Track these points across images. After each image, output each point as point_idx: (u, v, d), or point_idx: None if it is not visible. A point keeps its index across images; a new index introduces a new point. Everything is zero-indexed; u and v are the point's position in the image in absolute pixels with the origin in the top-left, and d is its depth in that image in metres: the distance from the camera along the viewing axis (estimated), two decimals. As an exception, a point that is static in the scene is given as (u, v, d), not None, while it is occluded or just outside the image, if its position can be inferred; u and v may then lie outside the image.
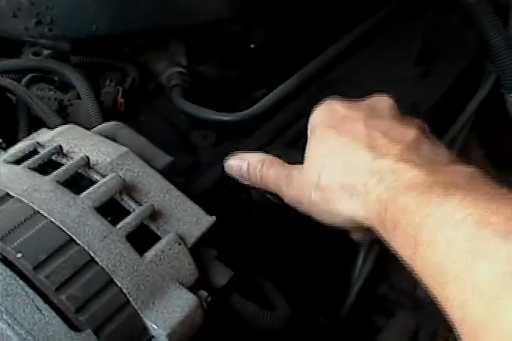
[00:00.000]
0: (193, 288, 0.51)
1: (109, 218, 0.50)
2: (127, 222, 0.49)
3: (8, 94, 0.73)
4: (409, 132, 0.56)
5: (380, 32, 0.91)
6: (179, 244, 0.51)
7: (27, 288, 0.45)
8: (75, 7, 0.68)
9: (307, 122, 0.61)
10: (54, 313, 0.45)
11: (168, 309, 0.49)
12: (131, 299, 0.48)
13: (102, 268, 0.47)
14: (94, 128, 0.59)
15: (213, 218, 0.55)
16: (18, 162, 0.53)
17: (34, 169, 0.51)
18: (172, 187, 0.54)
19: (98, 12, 0.68)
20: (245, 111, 0.76)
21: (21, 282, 0.45)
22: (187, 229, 0.53)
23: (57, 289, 0.45)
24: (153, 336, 0.49)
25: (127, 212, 0.51)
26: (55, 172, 0.50)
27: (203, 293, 0.52)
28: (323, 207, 0.57)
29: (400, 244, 0.49)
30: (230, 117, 0.76)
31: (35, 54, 0.86)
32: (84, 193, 0.50)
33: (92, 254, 0.47)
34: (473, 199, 0.45)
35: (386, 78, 0.84)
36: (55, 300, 0.46)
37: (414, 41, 0.88)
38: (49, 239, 0.47)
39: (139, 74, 0.82)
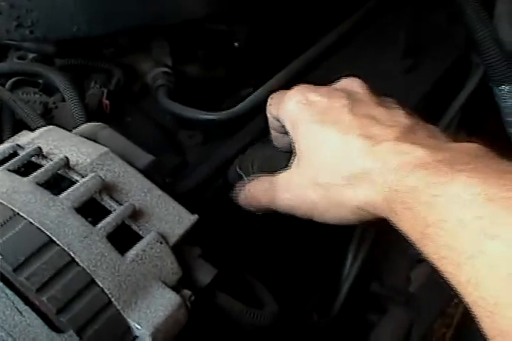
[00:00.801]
0: (176, 287, 0.51)
1: (89, 219, 0.50)
2: (108, 222, 0.49)
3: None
4: (399, 115, 0.56)
5: (365, 27, 0.90)
6: (161, 243, 0.51)
7: (7, 290, 0.45)
8: (55, 9, 0.68)
9: None
10: (35, 315, 0.45)
11: (151, 308, 0.49)
12: (113, 299, 0.47)
13: (83, 269, 0.47)
14: (75, 130, 0.58)
15: (195, 216, 0.54)
16: (-2, 164, 0.52)
17: (13, 171, 0.51)
18: (153, 186, 0.54)
19: (78, 13, 0.68)
20: (231, 110, 0.76)
21: (1, 284, 0.45)
22: (169, 228, 0.52)
23: (38, 290, 0.45)
24: (136, 336, 0.49)
25: (108, 212, 0.51)
26: (34, 174, 0.50)
27: (187, 292, 0.51)
28: (326, 205, 0.55)
29: (410, 227, 0.48)
30: (215, 116, 0.75)
31: (20, 58, 0.86)
32: (64, 194, 0.49)
33: (73, 255, 0.47)
34: (480, 176, 0.45)
35: (373, 73, 0.83)
36: (36, 302, 0.45)
37: (400, 36, 0.88)
38: (28, 240, 0.46)
39: (124, 76, 0.82)
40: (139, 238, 0.51)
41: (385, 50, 0.89)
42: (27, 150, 0.52)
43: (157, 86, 0.81)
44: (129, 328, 0.48)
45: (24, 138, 0.56)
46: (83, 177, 0.51)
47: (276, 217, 0.65)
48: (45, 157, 0.53)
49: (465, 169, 0.46)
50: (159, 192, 0.54)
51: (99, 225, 0.49)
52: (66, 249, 0.47)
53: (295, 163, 0.59)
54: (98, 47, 0.82)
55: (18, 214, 0.47)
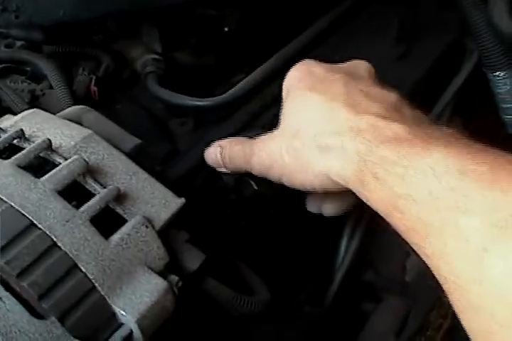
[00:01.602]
0: (163, 273, 0.50)
1: (74, 202, 0.48)
2: (91, 205, 0.48)
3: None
4: (390, 94, 0.55)
5: (358, 12, 0.89)
6: (146, 227, 0.49)
7: (-14, 275, 0.44)
8: (40, -8, 0.66)
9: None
10: (15, 301, 0.44)
11: (137, 294, 0.47)
12: (96, 284, 0.46)
13: (65, 253, 0.46)
14: (60, 113, 0.57)
15: (182, 200, 0.53)
16: (-21, 148, 0.51)
17: (-5, 154, 0.50)
18: (139, 169, 0.53)
19: (63, -4, 0.66)
20: (221, 96, 0.74)
21: (-20, 269, 0.44)
22: (155, 212, 0.51)
23: (19, 275, 0.44)
24: (122, 323, 0.47)
25: (92, 195, 0.49)
26: (15, 156, 0.49)
27: (174, 278, 0.50)
28: (295, 168, 0.55)
29: (379, 198, 0.48)
30: (205, 102, 0.74)
31: (8, 46, 0.84)
32: (46, 176, 0.48)
33: (54, 239, 0.45)
34: (455, 150, 0.44)
35: (366, 58, 0.82)
36: (16, 287, 0.44)
37: (393, 22, 0.86)
38: (9, 223, 0.45)
39: (113, 62, 0.80)
40: (124, 222, 0.50)
41: (377, 37, 0.87)
42: (9, 133, 0.51)
43: (146, 73, 0.79)
44: (113, 315, 0.47)
45: (7, 121, 0.55)
46: (66, 159, 0.50)
47: (270, 204, 0.64)
48: (27, 140, 0.52)
49: (439, 143, 0.45)
50: (145, 175, 0.53)
51: (82, 208, 0.48)
52: (48, 232, 0.46)
53: (275, 130, 0.59)
54: (87, 34, 0.81)
55: (-2, 197, 0.46)
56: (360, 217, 0.80)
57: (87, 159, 0.50)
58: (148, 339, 0.48)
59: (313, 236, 0.77)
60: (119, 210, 0.50)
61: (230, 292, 0.57)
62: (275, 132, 0.58)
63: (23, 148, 0.51)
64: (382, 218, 0.49)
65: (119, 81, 0.81)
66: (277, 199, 0.66)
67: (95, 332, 0.46)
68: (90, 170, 0.50)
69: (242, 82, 0.76)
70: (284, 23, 0.88)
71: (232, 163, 0.61)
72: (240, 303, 0.57)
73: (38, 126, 0.53)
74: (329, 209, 0.63)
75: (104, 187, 0.50)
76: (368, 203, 0.49)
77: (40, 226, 0.45)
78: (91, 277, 0.46)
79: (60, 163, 0.50)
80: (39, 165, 0.51)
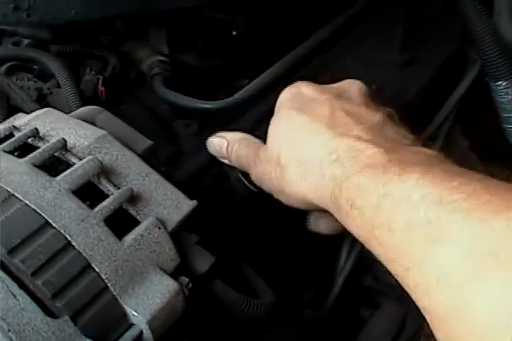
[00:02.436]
0: (173, 274, 0.50)
1: (87, 202, 0.49)
2: (105, 206, 0.48)
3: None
4: (374, 115, 0.55)
5: (364, 20, 0.90)
6: (159, 229, 0.50)
7: (1, 273, 0.44)
8: (53, -9, 0.67)
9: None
10: (29, 299, 0.44)
11: (148, 295, 0.48)
12: (109, 284, 0.46)
13: (79, 253, 0.46)
14: (73, 112, 0.57)
15: (194, 202, 0.53)
16: (-8, 146, 0.51)
17: (9, 152, 0.50)
18: (152, 170, 0.53)
19: (75, -4, 0.66)
20: (227, 99, 0.75)
21: (-5, 267, 0.44)
22: (167, 214, 0.51)
23: (33, 274, 0.44)
24: (132, 323, 0.48)
25: (105, 196, 0.50)
26: (30, 155, 0.49)
27: (184, 279, 0.50)
28: (279, 187, 0.56)
29: (356, 226, 0.47)
30: (212, 105, 0.75)
31: (15, 44, 0.84)
32: (61, 176, 0.48)
33: (69, 238, 0.46)
34: (431, 177, 0.43)
35: (370, 66, 0.83)
36: (30, 286, 0.44)
37: (397, 29, 0.87)
38: (24, 222, 0.45)
39: (120, 63, 0.81)
40: (136, 223, 0.50)
41: (382, 44, 0.88)
42: (24, 131, 0.51)
43: (153, 74, 0.80)
44: (124, 315, 0.47)
45: (20, 120, 0.55)
46: (80, 159, 0.50)
47: (271, 208, 0.65)
48: (41, 138, 0.52)
49: (415, 170, 0.44)
50: (157, 176, 0.53)
51: (97, 209, 0.48)
52: (62, 231, 0.46)
53: (267, 140, 0.59)
54: (94, 34, 0.81)
55: (13, 195, 0.46)
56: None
57: (101, 159, 0.51)
58: (158, 340, 0.49)
59: (315, 240, 0.77)
60: (132, 211, 0.50)
61: (236, 294, 0.57)
62: (266, 144, 0.59)
63: (36, 147, 0.52)
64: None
65: (125, 82, 0.82)
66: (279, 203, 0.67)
67: (106, 332, 0.46)
68: (104, 171, 0.50)
69: (248, 86, 0.77)
70: (290, 27, 0.89)
71: (236, 161, 0.63)
72: (247, 306, 0.57)
73: (52, 125, 0.53)
74: (323, 228, 0.63)
75: (118, 188, 0.50)
76: (347, 228, 0.49)
77: (55, 225, 0.46)
78: (104, 277, 0.46)
79: (74, 163, 0.50)
80: (51, 164, 0.52)
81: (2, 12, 0.69)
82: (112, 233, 0.48)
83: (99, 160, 0.50)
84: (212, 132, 0.78)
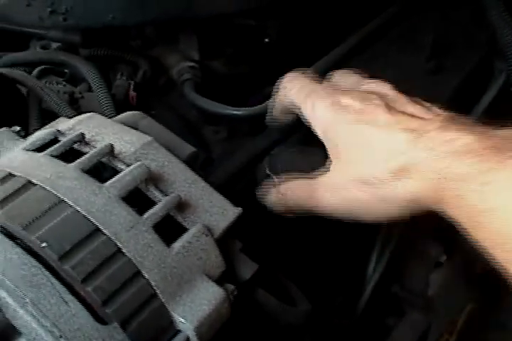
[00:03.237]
0: (219, 281, 0.50)
1: (135, 209, 0.49)
2: (154, 212, 0.48)
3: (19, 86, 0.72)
4: (434, 110, 0.56)
5: (392, 27, 0.90)
6: (206, 236, 0.50)
7: (52, 279, 0.43)
8: (91, -4, 0.67)
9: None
10: (80, 305, 0.43)
11: (196, 302, 0.47)
12: (158, 291, 0.46)
13: (129, 260, 0.45)
14: (115, 117, 0.57)
15: (240, 209, 0.53)
16: (38, 150, 0.51)
17: (56, 157, 0.50)
18: (197, 177, 0.53)
19: (114, 1, 0.66)
20: (258, 106, 0.75)
21: (46, 273, 0.43)
22: (214, 221, 0.51)
23: (84, 280, 0.43)
24: (179, 330, 0.47)
25: (152, 203, 0.49)
26: (79, 160, 0.49)
27: (230, 286, 0.50)
28: (372, 202, 0.54)
29: (461, 215, 0.48)
30: (242, 112, 0.75)
31: (44, 47, 0.85)
32: (110, 182, 0.48)
33: (119, 245, 0.45)
34: None
35: (397, 74, 0.83)
36: (81, 292, 0.44)
37: (426, 37, 0.87)
38: (74, 228, 0.45)
39: (150, 68, 0.81)
40: (183, 230, 0.50)
41: (410, 51, 0.88)
42: (70, 136, 0.51)
43: (184, 80, 0.80)
44: (172, 322, 0.47)
45: (63, 124, 0.55)
46: (128, 165, 0.50)
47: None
48: (87, 144, 0.52)
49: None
50: (203, 183, 0.53)
51: (146, 215, 0.48)
52: (113, 238, 0.45)
53: (333, 165, 0.57)
54: (124, 39, 0.81)
55: (63, 200, 0.46)
56: (391, 231, 0.80)
57: (148, 166, 0.50)
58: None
59: (345, 249, 0.77)
60: (179, 218, 0.50)
61: (277, 302, 0.57)
62: (335, 170, 0.57)
63: (80, 152, 0.51)
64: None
65: (155, 87, 0.82)
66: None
67: (154, 338, 0.46)
68: (151, 177, 0.50)
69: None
70: (319, 35, 0.89)
71: (294, 206, 0.61)
72: (286, 314, 0.57)
73: (97, 130, 0.53)
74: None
75: (165, 195, 0.50)
76: (450, 219, 0.49)
77: (105, 231, 0.45)
78: (153, 284, 0.46)
79: (121, 169, 0.50)
80: (96, 170, 0.51)
81: (38, 16, 0.69)
82: (161, 240, 0.47)
83: (146, 166, 0.50)
84: (241, 139, 0.78)
